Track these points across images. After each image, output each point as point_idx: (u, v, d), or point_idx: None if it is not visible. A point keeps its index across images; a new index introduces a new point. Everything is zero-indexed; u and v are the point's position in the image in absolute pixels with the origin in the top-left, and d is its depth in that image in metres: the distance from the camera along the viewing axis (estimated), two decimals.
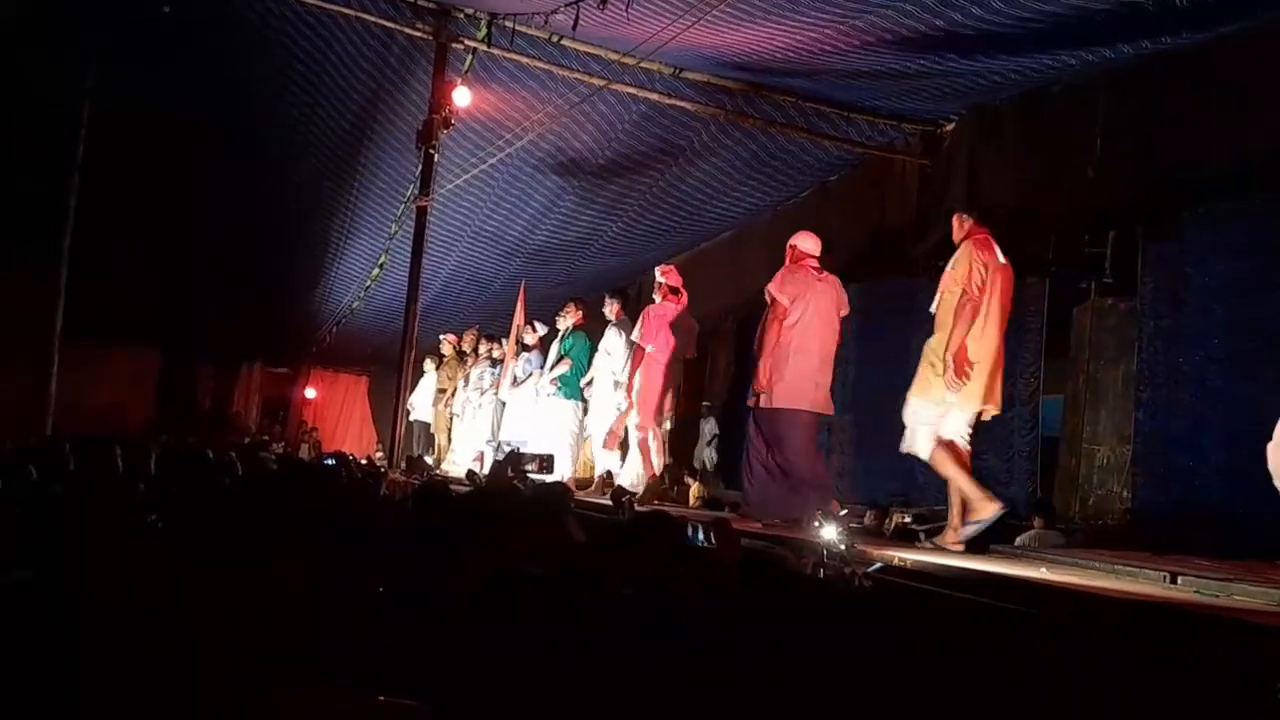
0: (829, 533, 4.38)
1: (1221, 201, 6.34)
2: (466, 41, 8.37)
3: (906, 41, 6.79)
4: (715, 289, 10.87)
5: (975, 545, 5.28)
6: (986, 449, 9.60)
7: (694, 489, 9.46)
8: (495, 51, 8.35)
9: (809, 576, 4.29)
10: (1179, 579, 4.22)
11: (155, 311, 14.45)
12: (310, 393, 18.85)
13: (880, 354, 11.16)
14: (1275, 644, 2.81)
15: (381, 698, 2.02)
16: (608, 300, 8.43)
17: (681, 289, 7.91)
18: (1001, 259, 5.69)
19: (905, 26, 6.49)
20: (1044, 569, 4.48)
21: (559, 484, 5.49)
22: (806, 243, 6.43)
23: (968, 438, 5.65)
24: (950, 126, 8.69)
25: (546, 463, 7.24)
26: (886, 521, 7.12)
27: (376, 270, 12.19)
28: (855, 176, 9.59)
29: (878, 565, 4.38)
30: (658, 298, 7.83)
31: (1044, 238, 8.66)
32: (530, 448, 7.90)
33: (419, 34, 8.30)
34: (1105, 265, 8.29)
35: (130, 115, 9.38)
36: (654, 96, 8.44)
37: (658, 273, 7.96)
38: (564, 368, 8.66)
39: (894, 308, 10.97)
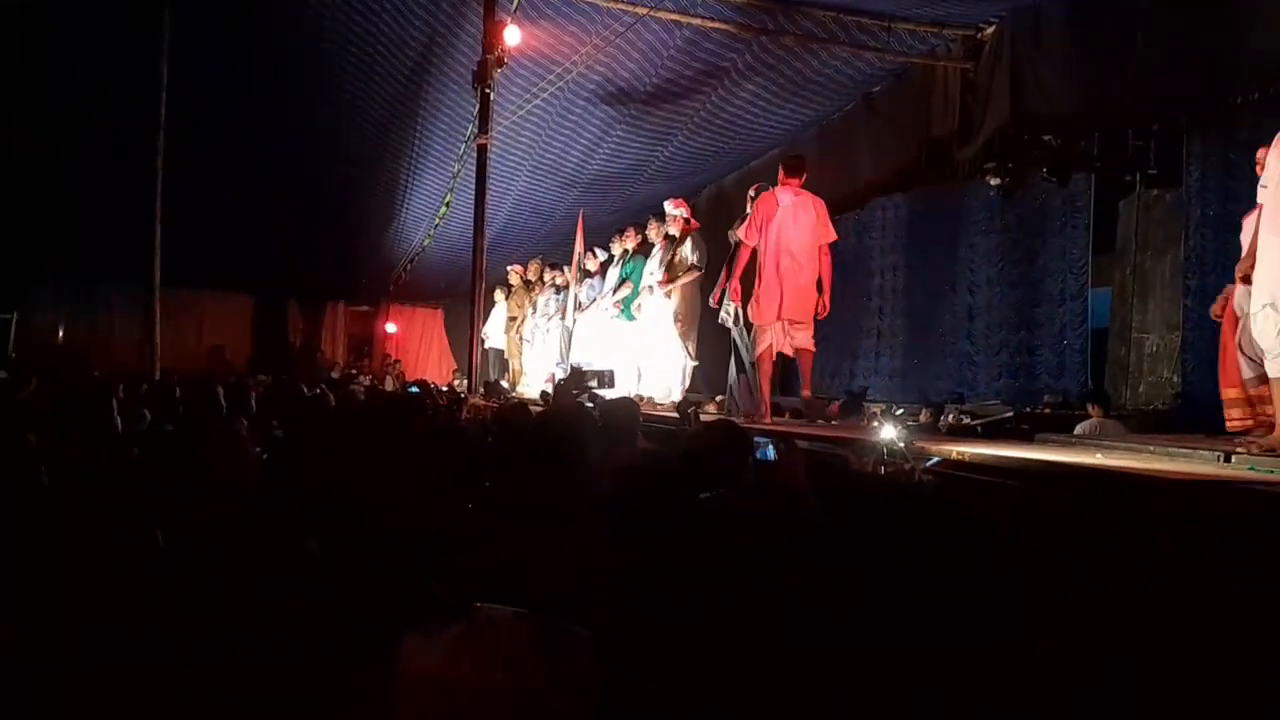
0: (888, 431, 4.34)
1: (1267, 89, 6.03)
2: None
3: None
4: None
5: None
6: (1040, 343, 9.49)
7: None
8: None
9: (871, 475, 4.29)
10: (1233, 458, 4.13)
11: (246, 259, 14.77)
12: (391, 327, 19.18)
13: (930, 259, 11.02)
14: None
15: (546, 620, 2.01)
16: (652, 222, 8.41)
17: (692, 218, 8.21)
18: (786, 202, 6.57)
19: None
20: (1099, 455, 4.41)
21: (627, 399, 5.53)
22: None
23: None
24: (991, 30, 8.35)
25: (607, 378, 7.28)
26: (942, 418, 7.09)
27: (444, 208, 12.22)
28: (898, 87, 9.30)
29: (936, 460, 4.35)
30: (674, 230, 7.90)
31: (1088, 135, 8.39)
32: (596, 368, 7.95)
33: None
34: (1150, 158, 8.02)
35: (204, 77, 9.45)
36: (696, 21, 8.22)
37: (669, 206, 8.00)
38: (626, 290, 8.66)
39: (942, 213, 10.80)
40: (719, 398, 8.13)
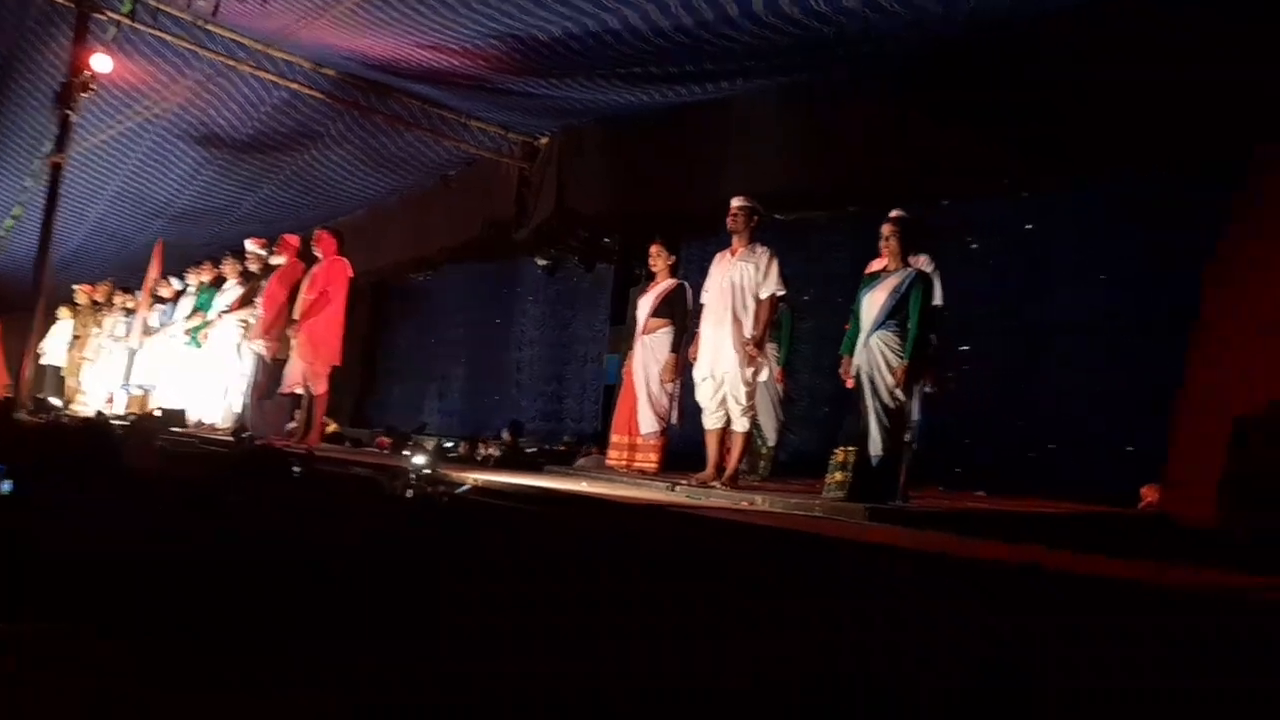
0: (419, 459, 4.39)
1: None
2: (109, 13, 7.28)
3: (511, 68, 6.86)
4: (353, 259, 10.45)
5: None
6: (568, 394, 10.15)
7: (331, 426, 9.16)
8: (140, 26, 7.34)
9: (399, 496, 4.30)
10: (676, 488, 4.72)
11: None
12: None
13: (490, 319, 11.40)
14: (724, 532, 3.23)
15: None
16: (228, 259, 7.88)
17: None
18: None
19: (508, 56, 6.55)
20: (584, 483, 4.82)
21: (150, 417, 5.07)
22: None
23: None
24: (545, 140, 8.91)
25: (177, 417, 6.66)
26: (477, 450, 7.32)
27: (10, 221, 10.35)
28: (471, 173, 9.54)
29: (466, 487, 4.47)
30: (254, 268, 7.51)
31: (613, 235, 9.21)
32: (161, 392, 7.15)
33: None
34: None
35: None
36: (294, 85, 7.85)
37: (250, 244, 7.62)
38: (197, 320, 7.91)
39: (501, 282, 11.23)
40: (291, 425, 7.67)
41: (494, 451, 7.07)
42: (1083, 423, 5.67)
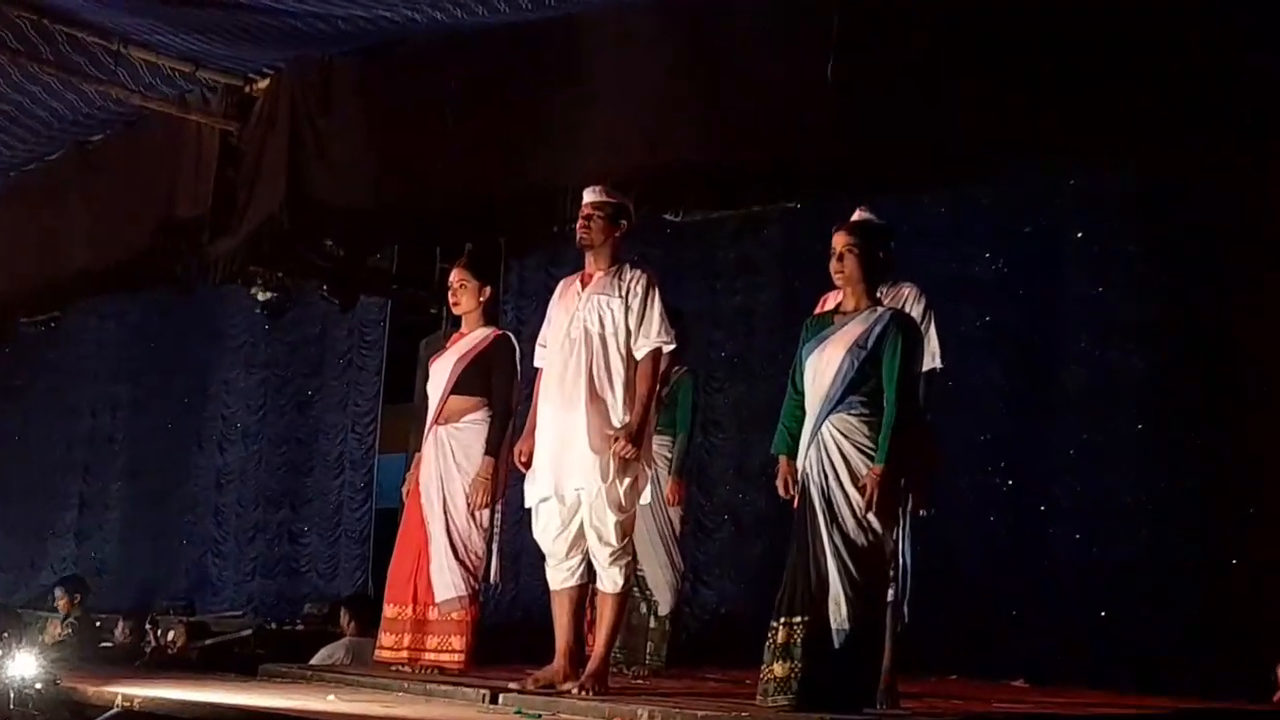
0: (20, 668, 4.18)
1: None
2: None
3: None
4: None
5: None
6: (310, 526, 9.96)
7: None
8: None
9: None
10: (500, 697, 4.62)
11: None
12: None
13: (168, 396, 11.15)
14: None
15: None
16: None
17: None
18: None
19: None
20: (331, 696, 4.66)
21: None
22: None
23: None
24: (265, 84, 8.81)
25: None
26: (148, 638, 7.09)
27: None
28: (131, 141, 9.41)
29: (113, 711, 4.26)
30: None
31: (385, 246, 9.13)
32: None
33: None
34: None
35: None
36: None
37: None
38: None
39: (189, 331, 11.01)
40: None
41: (176, 638, 6.96)
42: (1163, 555, 5.93)
